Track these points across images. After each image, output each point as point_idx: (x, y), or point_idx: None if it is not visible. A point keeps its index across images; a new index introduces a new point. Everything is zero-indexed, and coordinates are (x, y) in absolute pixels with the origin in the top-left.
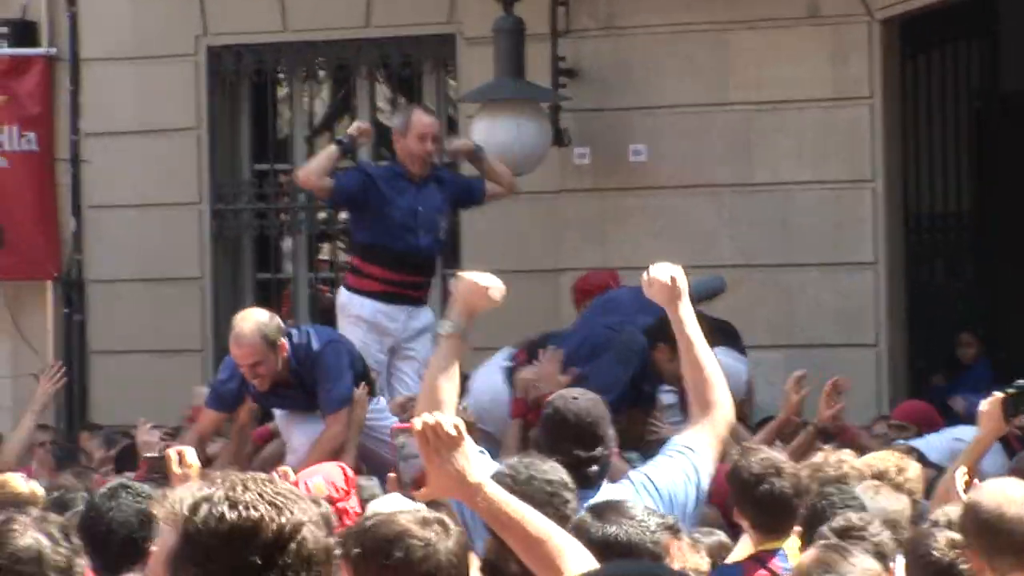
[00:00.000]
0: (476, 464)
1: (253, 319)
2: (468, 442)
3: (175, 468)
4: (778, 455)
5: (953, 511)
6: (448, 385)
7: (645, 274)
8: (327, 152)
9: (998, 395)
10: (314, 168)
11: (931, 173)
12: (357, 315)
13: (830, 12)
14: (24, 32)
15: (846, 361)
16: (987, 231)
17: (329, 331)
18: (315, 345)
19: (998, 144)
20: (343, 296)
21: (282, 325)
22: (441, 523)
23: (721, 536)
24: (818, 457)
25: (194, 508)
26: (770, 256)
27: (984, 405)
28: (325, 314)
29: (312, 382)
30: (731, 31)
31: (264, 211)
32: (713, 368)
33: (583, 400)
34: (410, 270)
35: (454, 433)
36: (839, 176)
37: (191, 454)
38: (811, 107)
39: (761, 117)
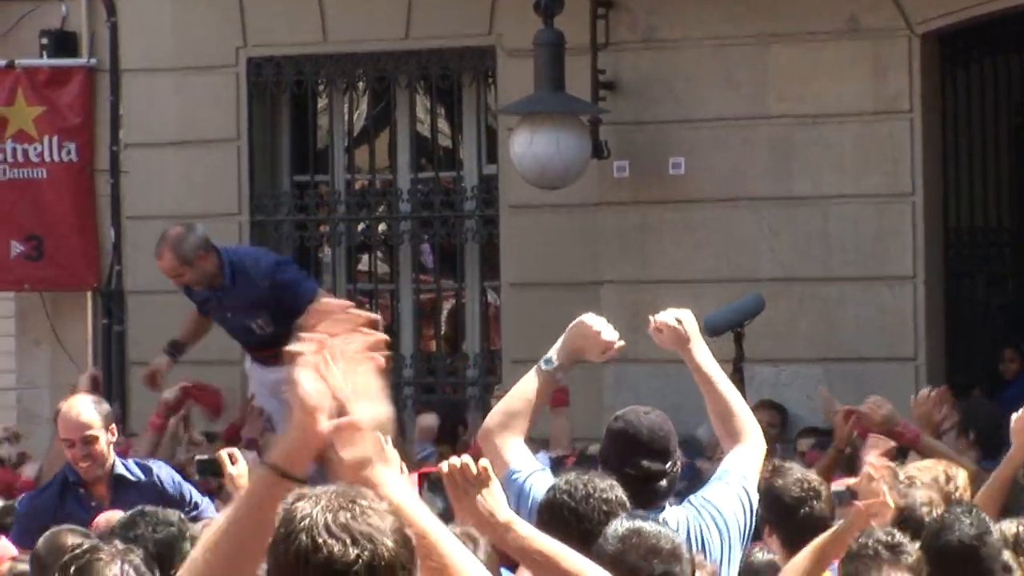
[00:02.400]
0: (503, 503)
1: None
2: (495, 482)
3: (229, 468)
4: (811, 474)
5: (1009, 527)
6: (522, 411)
7: (652, 320)
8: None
9: None
10: None
11: (971, 187)
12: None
13: (870, 26)
14: (64, 42)
15: (885, 375)
16: None
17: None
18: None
19: None
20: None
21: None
22: None
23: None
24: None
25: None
26: (810, 270)
27: (1017, 421)
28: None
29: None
30: (772, 44)
31: (304, 222)
32: (736, 399)
33: (654, 414)
34: (257, 348)
35: (480, 474)
36: (879, 190)
37: (241, 455)
38: (851, 121)
39: (801, 130)
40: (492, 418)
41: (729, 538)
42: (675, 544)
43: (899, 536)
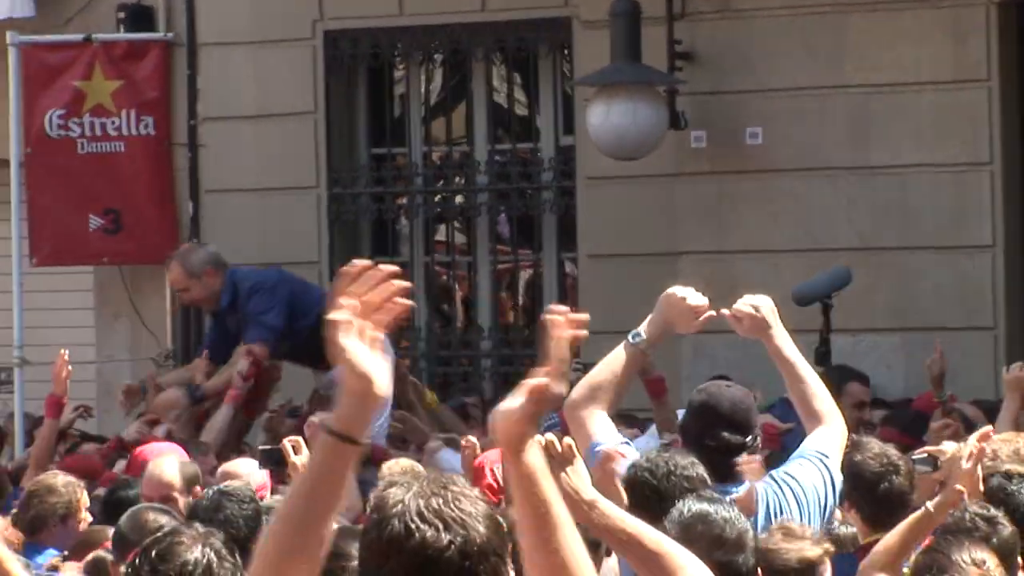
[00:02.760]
0: (587, 481)
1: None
2: (579, 460)
3: (293, 458)
4: (890, 449)
5: None
6: (608, 384)
7: (728, 311)
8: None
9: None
10: None
11: None
12: None
13: None
14: (141, 17)
15: (964, 344)
16: None
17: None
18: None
19: None
20: None
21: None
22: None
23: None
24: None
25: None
26: (888, 239)
27: (1009, 376)
28: (444, 293)
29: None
30: (849, 13)
31: (381, 195)
32: (815, 382)
33: (736, 388)
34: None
35: (565, 452)
36: (957, 159)
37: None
38: (929, 89)
39: (879, 99)
40: (578, 391)
41: (809, 513)
42: (740, 532)
43: (993, 510)
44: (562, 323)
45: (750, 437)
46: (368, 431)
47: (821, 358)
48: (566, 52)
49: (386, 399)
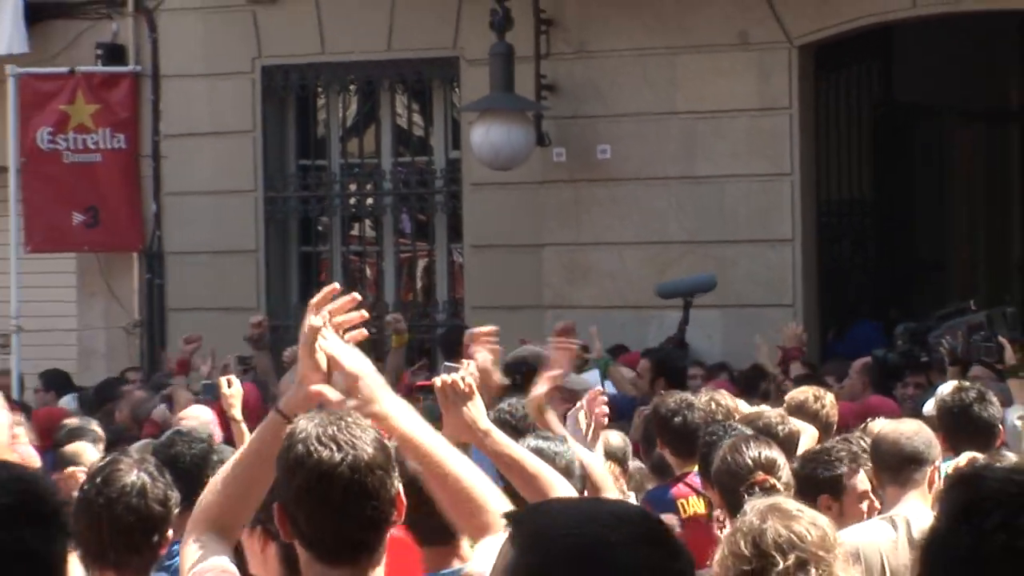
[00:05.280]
0: (484, 414)
1: None
2: (477, 397)
3: (225, 390)
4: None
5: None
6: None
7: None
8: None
9: None
10: None
11: (839, 167)
12: None
13: (758, 40)
14: (115, 53)
15: (769, 318)
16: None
17: None
18: None
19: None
20: None
21: None
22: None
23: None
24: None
25: (290, 445)
26: (709, 235)
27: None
28: (357, 277)
29: None
30: (679, 54)
31: (307, 198)
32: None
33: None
34: None
35: (466, 389)
36: (764, 170)
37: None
38: (742, 116)
39: (703, 123)
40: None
41: None
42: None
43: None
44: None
45: None
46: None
47: (677, 343)
48: (454, 84)
49: (321, 394)
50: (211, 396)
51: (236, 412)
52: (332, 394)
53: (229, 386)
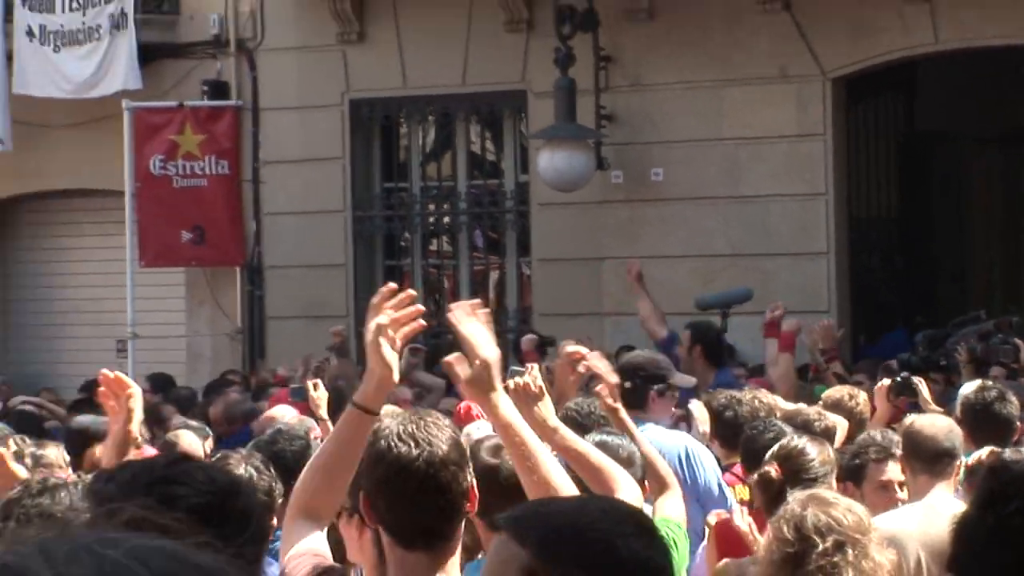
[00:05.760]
0: (552, 413)
1: None
2: (547, 397)
3: (312, 394)
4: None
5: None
6: None
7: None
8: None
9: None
10: None
11: (868, 188)
12: None
13: (795, 73)
14: (219, 89)
15: (807, 324)
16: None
17: None
18: None
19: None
20: None
21: None
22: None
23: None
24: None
25: (375, 441)
26: (753, 248)
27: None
28: (436, 287)
29: None
30: (724, 87)
31: (390, 216)
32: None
33: None
34: None
35: (536, 391)
36: (802, 191)
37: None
38: (781, 142)
39: (746, 148)
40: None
41: None
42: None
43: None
44: (467, 312)
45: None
46: (382, 405)
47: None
48: (522, 115)
49: (394, 384)
50: (300, 398)
51: (323, 412)
52: (401, 392)
53: (315, 389)
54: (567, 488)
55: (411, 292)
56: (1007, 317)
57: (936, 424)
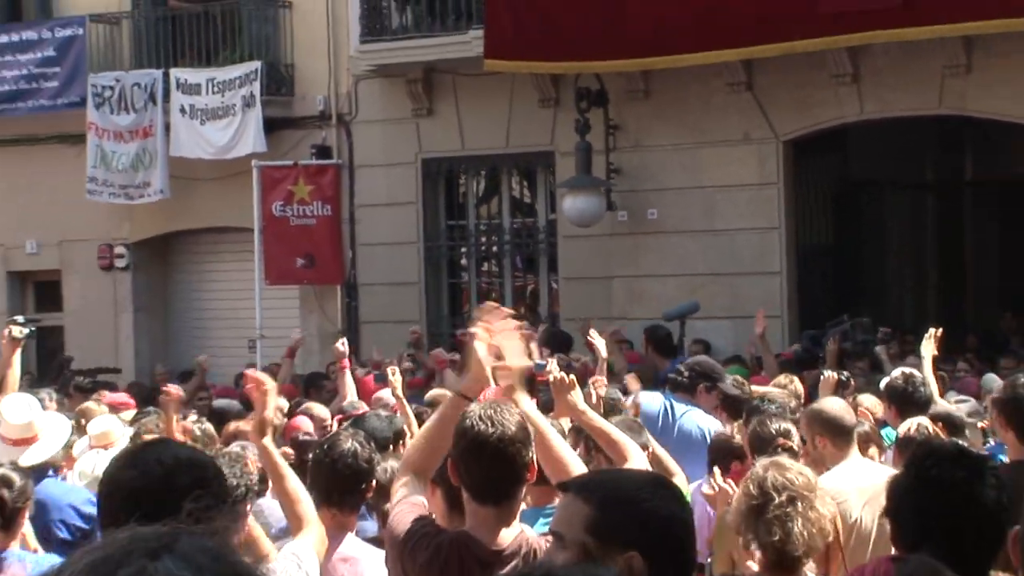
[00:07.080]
0: (581, 399)
1: None
2: (577, 388)
3: (391, 378)
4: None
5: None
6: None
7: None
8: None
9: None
10: None
11: (811, 223)
12: None
13: (755, 137)
14: (324, 152)
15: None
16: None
17: None
18: None
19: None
20: None
21: None
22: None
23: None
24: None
25: (462, 419)
26: (724, 269)
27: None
28: (487, 298)
29: None
30: (702, 148)
31: (453, 246)
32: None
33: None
34: None
35: (570, 383)
36: (762, 225)
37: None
38: (746, 189)
39: (721, 193)
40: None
41: None
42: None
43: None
44: (483, 332)
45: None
46: (479, 395)
47: (679, 347)
48: (551, 169)
49: (488, 379)
50: (382, 382)
51: (399, 392)
52: (493, 384)
53: (393, 375)
54: (575, 463)
55: (507, 309)
56: (859, 319)
57: (838, 406)
